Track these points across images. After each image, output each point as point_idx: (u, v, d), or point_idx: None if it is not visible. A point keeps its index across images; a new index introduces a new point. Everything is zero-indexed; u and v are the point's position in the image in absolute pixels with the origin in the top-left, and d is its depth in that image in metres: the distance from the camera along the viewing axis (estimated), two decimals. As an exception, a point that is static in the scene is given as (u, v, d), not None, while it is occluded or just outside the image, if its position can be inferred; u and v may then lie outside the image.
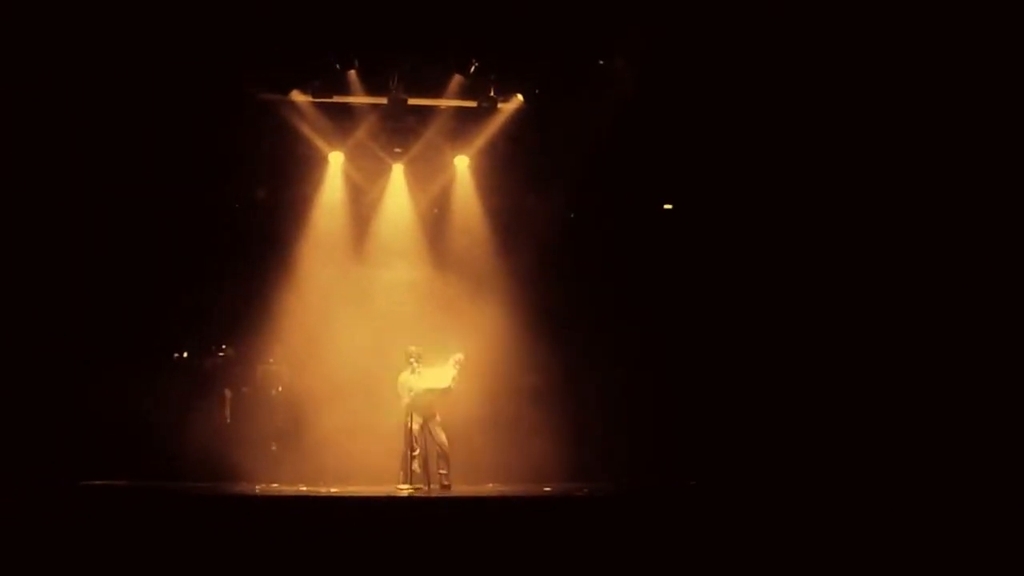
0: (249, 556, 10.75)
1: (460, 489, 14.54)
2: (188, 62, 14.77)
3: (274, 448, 15.90)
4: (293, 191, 16.56)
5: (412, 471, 14.37)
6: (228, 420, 16.30)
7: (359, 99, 15.97)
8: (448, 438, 14.66)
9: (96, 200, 15.65)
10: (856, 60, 14.76)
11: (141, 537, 10.79)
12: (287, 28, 14.54)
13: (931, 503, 11.88)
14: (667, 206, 17.12)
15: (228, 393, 16.43)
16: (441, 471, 14.59)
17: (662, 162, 16.32)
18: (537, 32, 14.63)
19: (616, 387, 16.27)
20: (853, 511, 11.42)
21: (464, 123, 16.48)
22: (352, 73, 15.52)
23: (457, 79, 15.68)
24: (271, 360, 16.51)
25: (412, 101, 15.83)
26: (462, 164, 16.86)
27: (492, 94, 15.88)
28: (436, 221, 16.95)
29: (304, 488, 14.53)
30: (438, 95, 15.98)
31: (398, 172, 16.86)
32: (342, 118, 16.27)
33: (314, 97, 15.82)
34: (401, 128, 16.45)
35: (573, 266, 16.59)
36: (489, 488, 15.04)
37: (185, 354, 16.59)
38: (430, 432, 14.58)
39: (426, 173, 16.89)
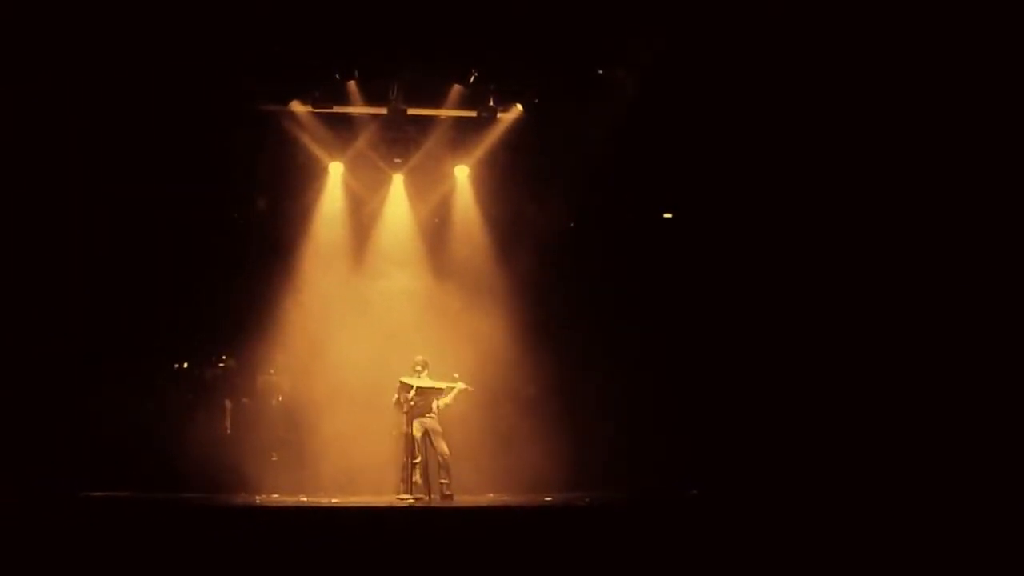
0: (250, 567, 10.74)
1: (461, 499, 14.53)
2: (189, 73, 14.78)
3: (275, 458, 15.89)
4: (294, 201, 16.57)
5: (413, 481, 14.36)
6: (228, 430, 16.29)
7: (359, 109, 16.00)
8: (449, 448, 14.66)
9: (98, 210, 15.64)
10: (856, 68, 14.75)
11: (142, 548, 10.77)
12: (287, 39, 14.56)
13: (935, 510, 11.84)
14: (667, 215, 17.13)
15: (228, 403, 16.43)
16: (442, 481, 14.58)
17: (661, 171, 16.33)
18: (536, 42, 14.64)
19: (617, 396, 16.27)
20: (855, 519, 11.39)
21: (464, 133, 16.51)
22: (352, 83, 15.54)
23: (457, 89, 15.71)
24: (272, 370, 16.50)
25: (412, 111, 15.86)
26: (462, 174, 16.88)
27: (491, 104, 15.90)
28: (436, 231, 16.97)
29: (305, 498, 14.53)
30: (438, 105, 16.01)
31: (398, 182, 16.88)
32: (342, 128, 16.30)
33: (314, 107, 15.84)
34: (401, 138, 16.48)
35: (573, 275, 16.60)
36: (490, 498, 15.03)
37: (185, 364, 16.60)
38: (431, 442, 14.58)
39: (426, 183, 16.91)
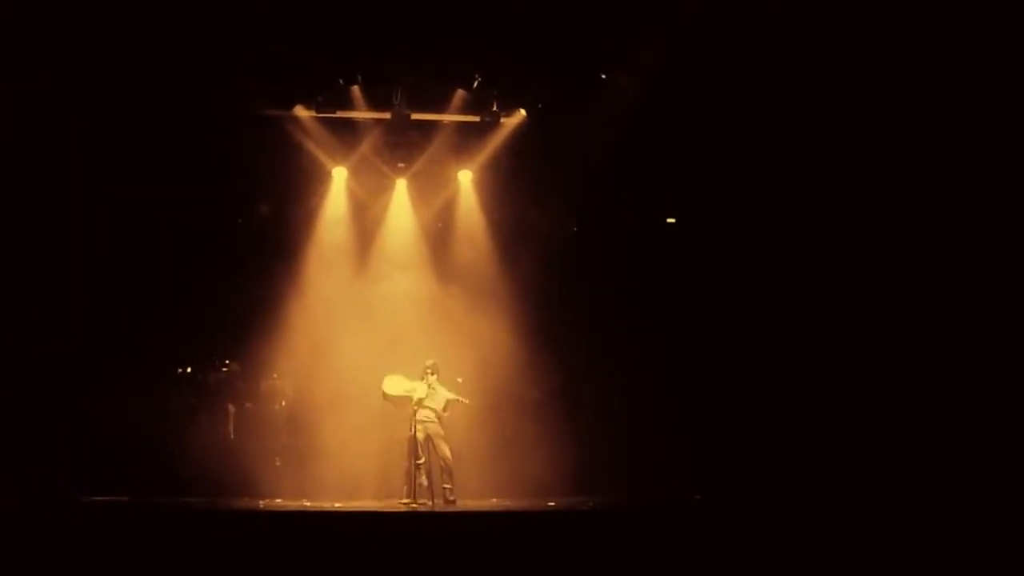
0: (253, 572, 10.75)
1: (464, 504, 14.52)
2: (193, 77, 14.80)
3: (278, 463, 15.91)
4: (297, 206, 16.59)
5: (417, 484, 14.36)
6: (232, 435, 16.32)
7: (363, 114, 16.03)
8: (452, 452, 14.66)
9: (102, 214, 15.66)
10: (858, 74, 14.75)
11: (145, 553, 10.78)
12: (291, 44, 14.58)
13: (938, 515, 11.83)
14: (669, 219, 17.13)
15: (232, 408, 16.45)
16: (445, 486, 14.58)
17: (664, 176, 16.33)
18: (539, 47, 14.66)
19: (620, 400, 16.26)
20: (857, 524, 11.38)
21: (467, 137, 16.52)
22: (355, 88, 15.58)
23: (460, 94, 15.73)
24: (275, 375, 16.51)
25: (415, 116, 15.88)
26: (465, 178, 16.89)
27: (495, 108, 15.93)
28: (440, 235, 16.98)
29: (308, 503, 14.52)
30: (441, 110, 16.03)
31: (402, 187, 16.90)
32: (346, 133, 16.32)
33: (318, 112, 15.86)
34: (404, 143, 16.49)
35: (576, 279, 16.60)
36: (493, 503, 15.02)
37: (189, 368, 16.61)
38: (434, 446, 14.58)
39: (430, 187, 16.92)
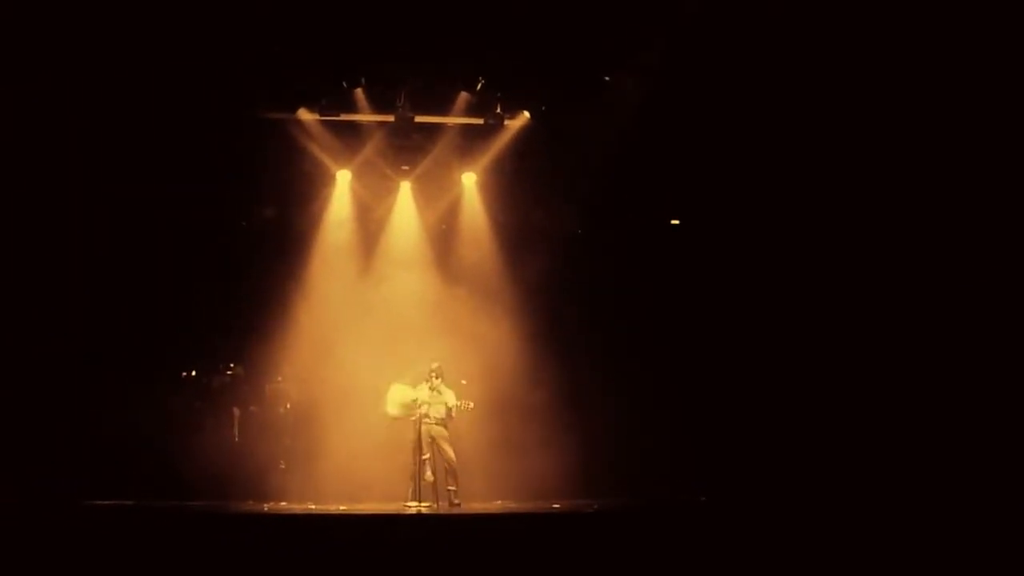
0: (257, 575, 10.75)
1: (469, 506, 14.52)
2: (197, 81, 14.82)
3: (282, 466, 15.90)
4: (301, 209, 16.60)
5: (422, 482, 14.36)
6: (236, 438, 16.31)
7: (366, 117, 16.03)
8: (456, 454, 14.66)
9: (106, 218, 15.67)
10: (862, 76, 14.73)
11: (148, 557, 10.78)
12: (294, 46, 14.59)
13: (944, 517, 11.80)
14: (674, 221, 17.12)
15: (237, 411, 16.45)
16: (450, 488, 14.59)
17: (668, 177, 16.33)
18: (543, 49, 14.66)
19: (625, 402, 16.24)
20: (863, 528, 11.36)
21: (471, 140, 16.52)
22: (359, 91, 15.57)
23: (464, 96, 15.73)
24: (279, 378, 16.51)
25: (419, 119, 15.87)
26: (469, 181, 16.89)
27: (498, 111, 15.92)
28: (444, 237, 16.97)
29: (313, 506, 14.52)
30: (445, 112, 16.02)
31: (406, 189, 16.91)
32: (349, 136, 16.33)
33: (321, 115, 15.86)
34: (408, 145, 16.50)
35: (581, 281, 16.60)
36: (498, 505, 15.02)
37: (193, 372, 16.60)
38: (439, 449, 14.59)
39: (433, 190, 16.93)
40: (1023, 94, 14.12)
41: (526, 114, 16.22)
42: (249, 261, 16.21)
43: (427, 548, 11.32)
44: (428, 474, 14.49)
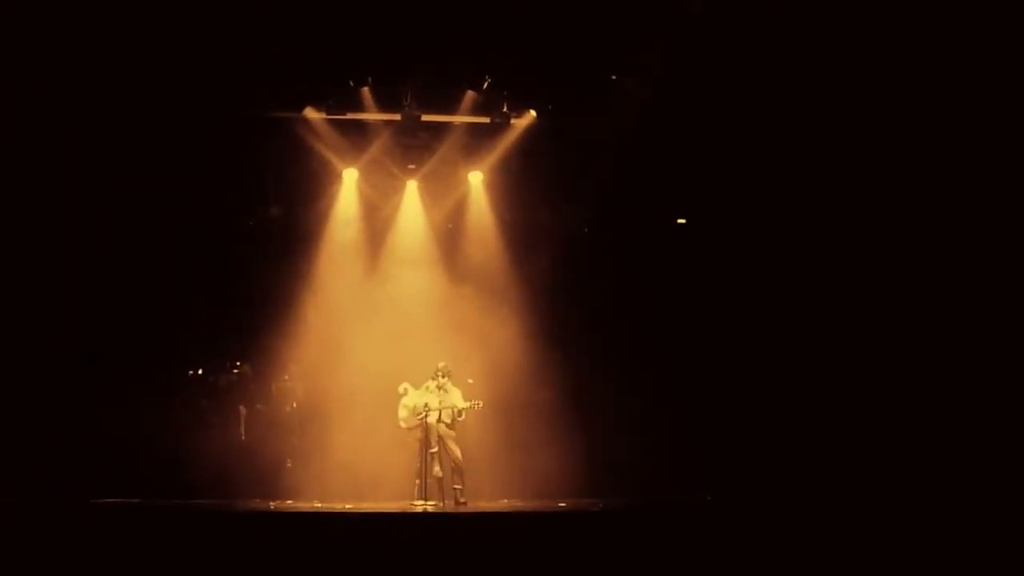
0: (264, 573, 10.77)
1: (474, 505, 14.54)
2: (202, 79, 14.83)
3: (289, 465, 15.92)
4: (308, 207, 16.60)
5: (427, 484, 14.39)
6: (243, 437, 16.33)
7: (373, 116, 16.03)
8: (463, 453, 14.68)
9: (114, 218, 15.70)
10: (870, 74, 14.70)
11: (155, 555, 10.81)
12: (301, 45, 14.60)
13: (950, 515, 11.79)
14: (680, 220, 17.11)
15: (243, 410, 16.46)
16: (456, 486, 14.61)
17: (675, 176, 16.31)
18: (549, 48, 14.65)
19: (630, 401, 16.23)
20: (868, 526, 11.36)
21: (477, 139, 16.51)
22: (365, 90, 15.57)
23: (470, 95, 15.72)
24: (286, 377, 16.53)
25: (425, 117, 15.86)
26: (476, 179, 16.89)
27: (505, 110, 15.91)
28: (450, 236, 16.98)
29: (319, 504, 14.54)
30: (451, 111, 16.02)
31: (412, 188, 16.92)
32: (356, 135, 16.33)
33: (328, 114, 15.86)
34: (415, 144, 16.50)
35: (587, 280, 16.60)
36: (504, 503, 15.03)
37: (200, 371, 16.63)
38: (445, 447, 14.61)
39: (440, 188, 16.94)
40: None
41: (532, 113, 16.21)
42: (256, 260, 16.22)
43: (433, 547, 11.35)
44: (436, 469, 14.52)
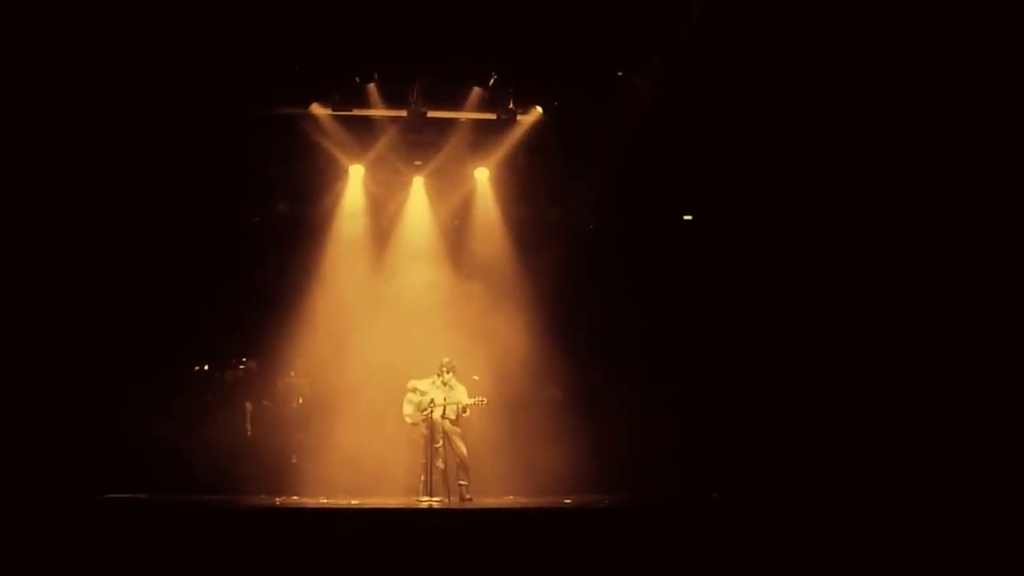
0: (269, 569, 10.77)
1: (480, 501, 14.53)
2: (209, 76, 14.84)
3: (295, 461, 15.94)
4: (314, 204, 16.61)
5: (433, 480, 14.39)
6: (249, 433, 16.35)
7: (379, 112, 16.02)
8: (468, 449, 14.68)
9: (119, 219, 15.72)
10: (878, 70, 14.67)
11: (160, 551, 10.82)
12: (306, 42, 14.60)
13: (958, 512, 11.77)
14: (687, 217, 17.09)
15: (249, 406, 16.48)
16: (461, 483, 14.60)
17: (681, 173, 16.29)
18: (555, 44, 14.63)
19: (636, 398, 16.23)
20: (875, 523, 11.33)
21: (483, 135, 16.51)
22: (372, 86, 15.57)
23: (476, 91, 15.71)
24: (292, 373, 16.56)
25: (431, 114, 15.86)
26: (482, 176, 16.89)
27: (511, 106, 15.90)
28: (456, 233, 16.98)
29: (325, 500, 14.56)
30: (457, 107, 16.01)
31: (418, 184, 16.92)
32: (362, 131, 16.32)
33: (334, 110, 15.87)
34: (421, 141, 16.51)
35: (593, 276, 16.59)
36: (509, 500, 15.03)
37: (206, 367, 16.65)
38: (450, 443, 14.60)
39: (446, 185, 16.94)
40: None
41: (539, 109, 16.20)
42: (262, 256, 16.25)
43: (438, 543, 11.33)
44: (440, 462, 14.52)
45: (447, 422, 14.57)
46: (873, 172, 14.99)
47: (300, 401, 16.52)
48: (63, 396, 15.02)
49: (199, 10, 14.04)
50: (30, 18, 13.99)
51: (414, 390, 14.69)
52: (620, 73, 15.59)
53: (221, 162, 15.72)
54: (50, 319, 15.12)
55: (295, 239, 16.43)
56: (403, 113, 15.86)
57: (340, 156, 16.44)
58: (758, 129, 15.38)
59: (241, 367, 16.68)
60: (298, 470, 15.77)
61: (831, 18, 14.30)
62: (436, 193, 16.96)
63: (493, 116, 16.07)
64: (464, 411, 14.59)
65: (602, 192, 16.58)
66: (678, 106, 15.61)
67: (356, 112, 15.91)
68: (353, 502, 14.21)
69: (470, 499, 14.50)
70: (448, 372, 14.67)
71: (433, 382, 14.69)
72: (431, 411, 14.45)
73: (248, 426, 16.37)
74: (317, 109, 15.91)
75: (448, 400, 14.54)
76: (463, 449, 14.63)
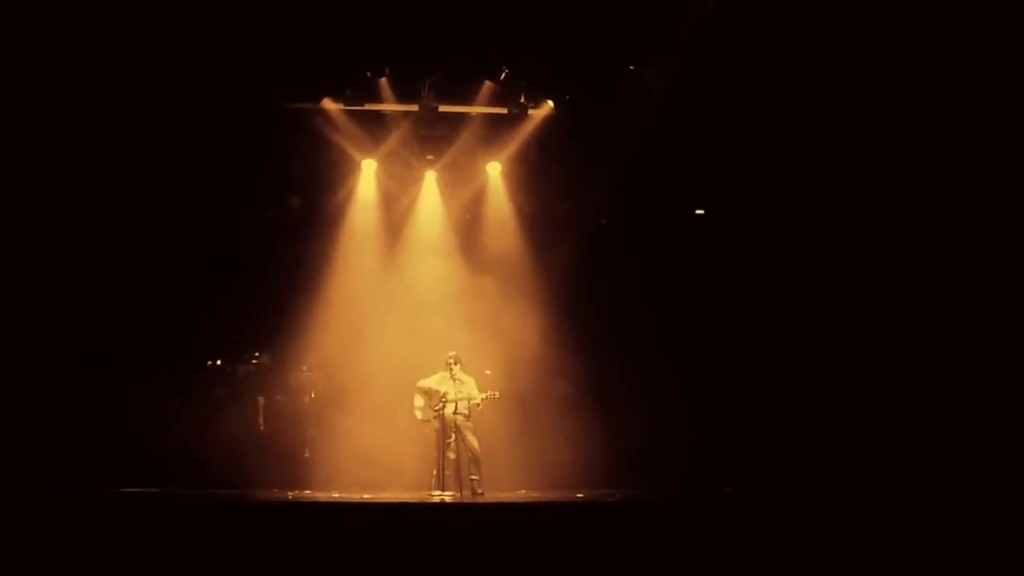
0: (282, 564, 10.79)
1: (492, 495, 14.54)
2: (221, 72, 14.86)
3: (307, 455, 15.97)
4: (326, 199, 16.65)
5: (445, 474, 14.40)
6: (261, 427, 16.39)
7: (391, 107, 16.05)
8: (480, 443, 14.68)
9: (134, 215, 15.77)
10: (885, 65, 14.64)
11: (173, 545, 10.84)
12: (318, 37, 14.61)
13: (968, 507, 11.73)
14: (699, 211, 17.07)
15: (262, 400, 16.52)
16: (473, 477, 14.60)
17: (693, 167, 16.27)
18: (567, 38, 14.62)
19: (649, 392, 16.21)
20: (887, 518, 11.30)
21: (495, 130, 16.52)
22: (383, 81, 15.58)
23: (488, 86, 15.71)
24: (304, 367, 16.57)
25: (443, 108, 15.88)
26: (494, 170, 16.90)
27: (523, 100, 15.90)
28: (468, 227, 16.99)
29: (337, 495, 14.58)
30: (469, 102, 16.03)
31: (430, 179, 16.94)
32: (374, 126, 16.36)
33: (346, 105, 15.90)
34: (433, 135, 16.53)
35: (605, 270, 16.58)
36: (521, 494, 15.03)
37: (219, 361, 16.70)
38: (462, 437, 14.61)
39: (458, 179, 16.97)
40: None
41: (550, 103, 16.19)
42: (274, 251, 16.29)
43: (450, 537, 11.33)
44: (450, 454, 14.54)
45: (459, 416, 14.59)
46: (884, 167, 14.96)
47: (312, 395, 16.54)
48: (77, 392, 15.08)
49: (211, 6, 14.06)
50: (38, 18, 14.03)
51: (422, 390, 14.69)
52: (631, 68, 15.57)
53: (234, 158, 15.75)
54: (65, 315, 15.18)
55: (308, 234, 16.48)
56: (415, 108, 15.89)
57: (352, 151, 16.48)
58: (769, 124, 15.37)
59: (254, 361, 16.73)
60: (310, 464, 15.80)
61: (842, 13, 14.26)
62: (448, 187, 16.98)
63: (504, 111, 16.06)
64: (477, 405, 14.59)
65: (614, 187, 16.56)
66: (689, 101, 15.59)
67: (368, 107, 15.95)
68: (365, 496, 14.24)
69: (482, 493, 14.50)
70: (455, 364, 14.66)
71: (442, 377, 14.69)
72: (443, 406, 14.46)
73: (260, 420, 16.41)
74: (329, 104, 15.94)
75: (460, 395, 14.55)
76: (475, 443, 14.64)
